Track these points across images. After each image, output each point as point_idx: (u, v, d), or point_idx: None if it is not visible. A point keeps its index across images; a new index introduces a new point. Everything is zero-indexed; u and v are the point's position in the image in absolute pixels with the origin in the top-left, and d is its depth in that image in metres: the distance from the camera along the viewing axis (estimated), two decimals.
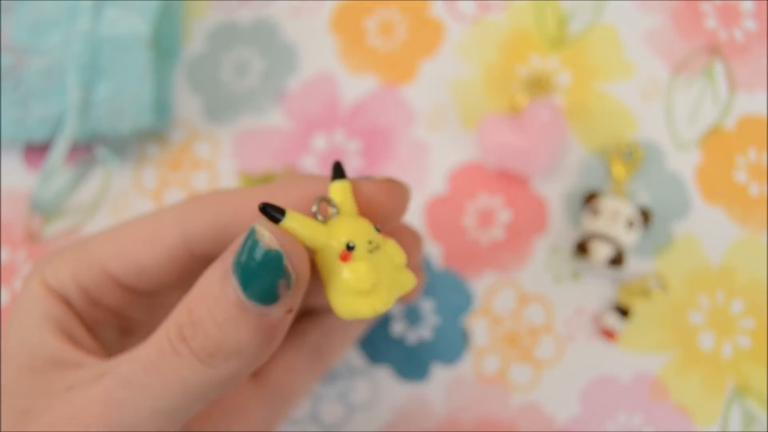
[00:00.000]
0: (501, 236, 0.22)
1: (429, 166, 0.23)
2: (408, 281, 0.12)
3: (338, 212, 0.12)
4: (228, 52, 0.24)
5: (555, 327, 0.22)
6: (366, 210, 0.13)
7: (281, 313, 0.11)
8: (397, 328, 0.22)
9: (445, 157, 0.23)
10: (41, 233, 0.22)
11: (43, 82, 0.22)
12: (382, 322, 0.22)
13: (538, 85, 0.23)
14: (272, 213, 0.11)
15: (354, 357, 0.21)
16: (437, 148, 0.23)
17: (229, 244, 0.13)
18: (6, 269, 0.22)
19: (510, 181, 0.23)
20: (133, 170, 0.24)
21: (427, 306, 0.22)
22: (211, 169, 0.24)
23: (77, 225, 0.23)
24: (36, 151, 0.24)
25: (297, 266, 0.11)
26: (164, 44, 0.23)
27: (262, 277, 0.11)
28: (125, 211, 0.23)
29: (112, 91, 0.22)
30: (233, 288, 0.11)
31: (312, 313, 0.17)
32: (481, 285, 0.22)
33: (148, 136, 0.24)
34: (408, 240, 0.15)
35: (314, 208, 0.12)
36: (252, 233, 0.11)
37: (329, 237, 0.12)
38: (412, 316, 0.22)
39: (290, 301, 0.11)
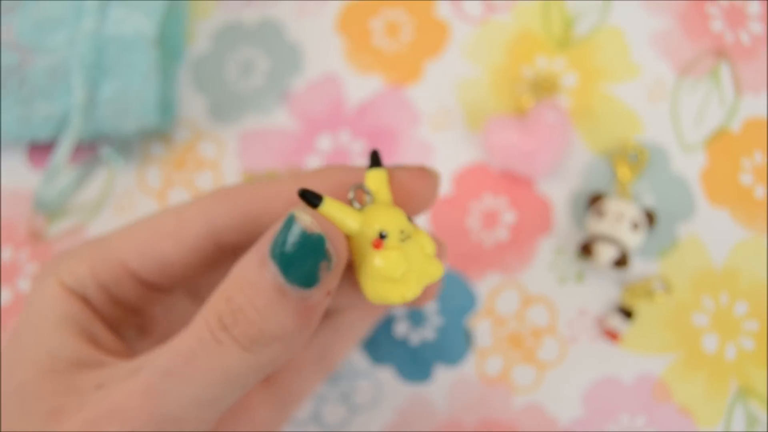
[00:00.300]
0: (505, 237, 0.22)
1: (434, 167, 0.21)
2: (436, 270, 0.12)
3: (373, 200, 0.12)
4: (233, 51, 0.24)
5: (558, 328, 0.22)
6: (399, 197, 0.13)
7: (321, 295, 0.12)
8: (401, 328, 0.22)
9: (450, 158, 0.23)
10: (45, 233, 0.22)
11: (47, 81, 0.21)
12: (386, 322, 0.22)
13: (544, 87, 0.23)
14: (310, 198, 0.12)
15: (357, 358, 0.21)
16: (442, 148, 0.23)
17: (258, 234, 0.13)
18: (9, 269, 0.22)
19: (515, 182, 0.23)
20: (137, 170, 0.23)
21: (430, 307, 0.22)
22: (216, 169, 0.24)
23: (81, 224, 0.23)
24: (40, 150, 0.23)
25: (338, 248, 0.12)
26: (169, 44, 0.23)
27: (303, 260, 0.11)
28: (129, 211, 0.23)
29: (117, 91, 0.22)
30: (273, 273, 0.11)
31: None
32: (484, 286, 0.22)
33: (152, 136, 0.24)
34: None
35: (350, 195, 0.12)
36: (291, 218, 0.11)
37: (364, 224, 0.12)
38: (416, 316, 0.22)
39: (330, 283, 0.12)
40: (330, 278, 0.12)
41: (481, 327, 0.22)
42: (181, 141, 0.24)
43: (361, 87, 0.24)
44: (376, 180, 0.13)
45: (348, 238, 0.12)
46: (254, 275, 0.11)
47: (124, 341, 0.15)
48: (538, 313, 0.22)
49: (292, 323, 0.11)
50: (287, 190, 0.14)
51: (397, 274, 0.12)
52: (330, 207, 0.12)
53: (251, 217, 0.14)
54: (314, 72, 0.24)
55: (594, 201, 0.22)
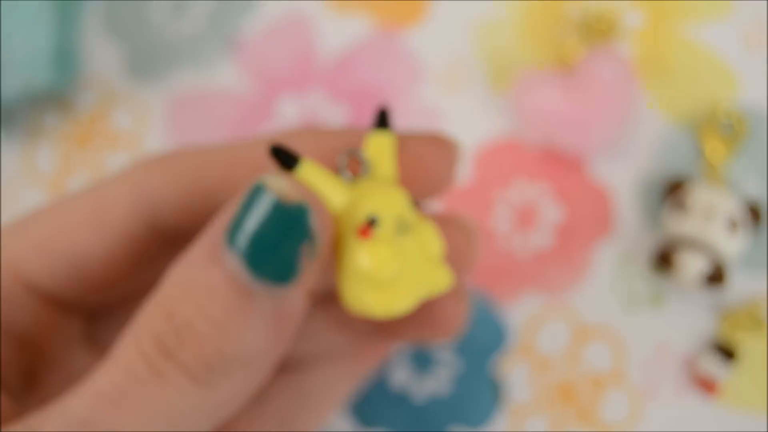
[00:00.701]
0: (547, 243, 0.20)
1: (452, 137, 0.20)
2: (441, 279, 0.11)
3: (370, 173, 0.11)
4: None
5: (628, 375, 0.19)
6: (406, 173, 0.12)
7: (301, 295, 0.10)
8: (400, 378, 0.19)
9: (466, 131, 0.21)
10: None
11: None
12: (379, 371, 0.19)
13: (598, 30, 0.21)
14: (284, 158, 0.10)
15: (338, 421, 0.19)
16: (455, 117, 0.21)
17: (213, 214, 0.12)
18: None
19: (559, 163, 0.20)
20: (22, 148, 0.21)
21: (441, 346, 0.20)
22: (135, 147, 0.21)
23: None
24: None
25: (322, 225, 0.10)
26: None
27: (278, 243, 0.10)
28: (10, 206, 0.21)
29: None
30: (232, 268, 0.10)
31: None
32: (519, 313, 0.20)
33: (45, 100, 0.21)
34: (455, 239, 0.13)
35: (341, 163, 0.11)
36: (259, 187, 0.10)
37: (351, 203, 0.11)
38: (421, 360, 0.19)
39: (311, 277, 0.10)
40: (312, 270, 0.10)
41: (515, 373, 0.19)
42: (85, 108, 0.21)
43: (339, 31, 0.22)
44: (379, 147, 0.11)
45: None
46: (205, 274, 0.10)
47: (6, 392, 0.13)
48: (597, 352, 0.19)
49: (263, 339, 0.10)
50: (251, 155, 0.12)
51: (384, 276, 0.10)
52: (309, 172, 0.11)
53: (202, 191, 0.12)
54: (273, 12, 0.22)
55: (673, 190, 0.19)
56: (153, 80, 0.22)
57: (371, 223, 0.10)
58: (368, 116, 0.21)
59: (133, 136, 0.21)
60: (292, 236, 0.10)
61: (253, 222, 0.10)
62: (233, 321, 0.10)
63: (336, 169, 0.11)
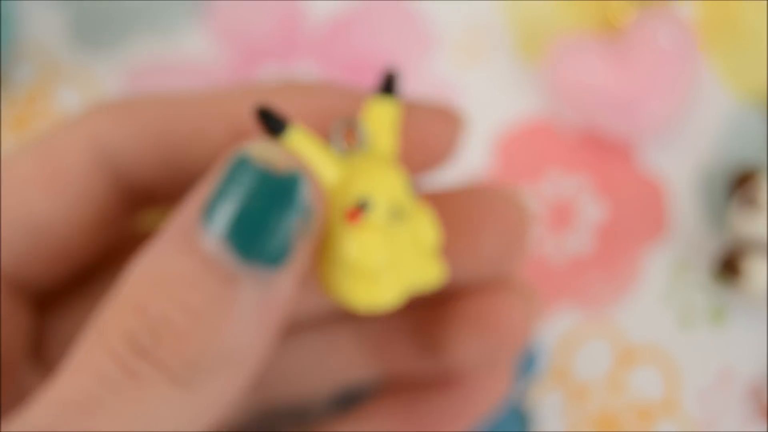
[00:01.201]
0: (587, 246, 0.19)
1: (456, 109, 0.21)
2: (432, 273, 0.11)
3: (367, 147, 0.11)
4: None
5: (683, 405, 0.18)
6: (406, 144, 0.12)
7: (290, 281, 0.10)
8: None
9: (489, 111, 0.20)
10: None
11: None
12: None
13: None
14: (272, 122, 0.10)
15: None
16: (476, 94, 0.20)
17: (187, 176, 0.12)
18: None
19: (602, 150, 0.19)
20: None
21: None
22: None
23: None
24: None
25: (315, 199, 0.10)
26: None
27: (269, 218, 0.09)
28: None
29: None
30: (213, 250, 0.09)
31: None
32: (552, 331, 0.19)
33: None
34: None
35: (335, 132, 0.11)
36: (243, 157, 0.10)
37: (341, 180, 0.11)
38: None
39: (302, 260, 0.10)
40: (305, 250, 0.10)
41: (547, 402, 0.19)
42: (21, 83, 0.20)
43: None
44: (380, 116, 0.11)
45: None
46: (179, 261, 0.09)
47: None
48: (645, 378, 0.18)
49: (249, 332, 0.10)
50: (228, 108, 0.12)
51: (371, 268, 0.10)
52: (299, 140, 0.10)
53: (171, 145, 0.12)
54: None
55: (742, 182, 0.18)
56: (104, 49, 0.20)
57: (362, 207, 0.10)
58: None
59: None
60: (282, 211, 0.10)
61: (237, 196, 0.09)
62: (216, 312, 0.09)
63: (327, 138, 0.11)
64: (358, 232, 0.10)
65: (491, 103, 0.20)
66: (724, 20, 0.20)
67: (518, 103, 0.20)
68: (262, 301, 0.10)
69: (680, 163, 0.19)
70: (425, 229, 0.11)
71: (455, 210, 0.12)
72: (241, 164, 0.09)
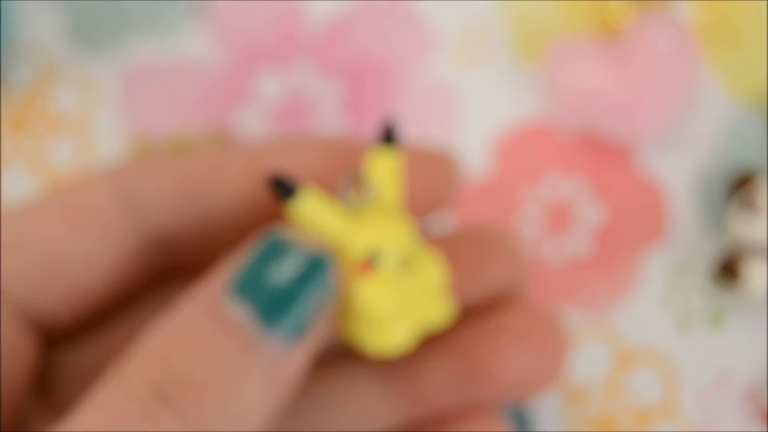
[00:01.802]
0: (585, 249, 0.19)
1: (460, 127, 0.21)
2: (441, 312, 0.12)
3: (373, 199, 0.12)
4: None
5: (681, 407, 0.18)
6: (409, 197, 0.13)
7: (304, 356, 0.11)
8: None
9: (487, 113, 0.20)
10: None
11: None
12: None
13: None
14: (284, 188, 0.11)
15: None
16: (474, 96, 0.21)
17: (205, 221, 0.13)
18: None
19: (600, 153, 0.20)
20: None
21: None
22: (82, 133, 0.20)
23: None
24: None
25: (337, 281, 0.11)
26: None
27: (295, 296, 0.10)
28: None
29: None
30: (238, 319, 0.10)
31: None
32: None
33: None
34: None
35: (342, 187, 0.11)
36: (276, 237, 0.11)
37: (351, 234, 0.11)
38: None
39: (318, 336, 0.11)
40: (321, 328, 0.11)
41: (544, 405, 0.19)
42: (19, 85, 0.20)
43: None
44: (383, 167, 0.12)
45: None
46: (203, 324, 0.10)
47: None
48: (644, 380, 0.19)
49: (259, 398, 0.10)
50: (241, 164, 0.12)
51: (384, 315, 0.11)
52: (309, 202, 0.11)
53: (192, 193, 0.12)
54: None
55: (741, 185, 0.19)
56: (102, 50, 0.21)
57: (373, 259, 0.11)
58: (365, 96, 0.20)
59: (79, 119, 0.20)
60: (307, 291, 0.10)
61: (266, 273, 0.10)
62: (234, 372, 0.10)
63: (335, 193, 0.12)
64: (370, 283, 0.11)
65: (490, 104, 0.20)
66: (723, 22, 0.20)
67: (517, 105, 0.20)
68: (276, 370, 0.11)
69: (679, 165, 0.20)
70: (432, 271, 0.11)
71: (457, 250, 0.13)
72: (272, 242, 0.11)
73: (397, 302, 0.11)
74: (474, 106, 0.20)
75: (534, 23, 0.20)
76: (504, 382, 0.12)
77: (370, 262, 0.11)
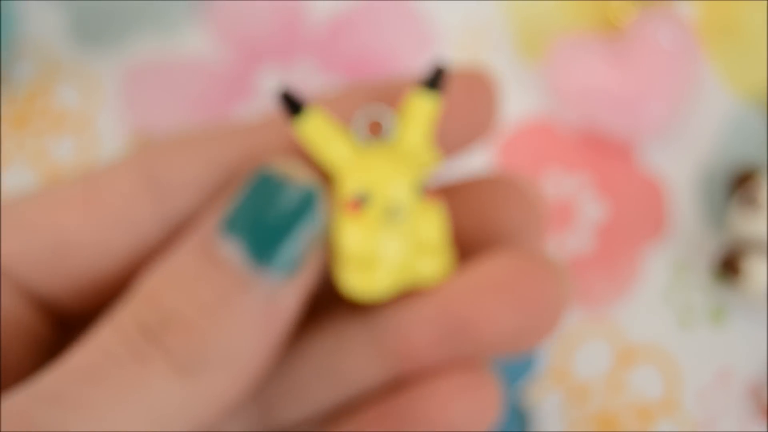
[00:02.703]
0: (586, 246, 0.19)
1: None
2: (430, 270, 0.11)
3: (391, 138, 0.11)
4: None
5: (682, 404, 0.18)
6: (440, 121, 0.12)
7: (296, 293, 0.11)
8: None
9: None
10: None
11: None
12: None
13: None
14: (292, 103, 0.11)
15: None
16: None
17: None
18: None
19: (602, 150, 0.19)
20: None
21: None
22: (84, 130, 0.20)
23: None
24: None
25: (329, 210, 0.11)
26: None
27: (284, 230, 0.10)
28: None
29: None
30: (230, 255, 0.10)
31: None
32: None
33: None
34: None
35: (357, 121, 0.11)
36: (264, 171, 0.11)
37: (351, 169, 0.11)
38: None
39: (309, 273, 0.11)
40: (313, 264, 0.11)
41: (546, 402, 0.19)
42: (22, 82, 0.21)
43: None
44: (417, 110, 0.11)
45: (328, 179, 0.11)
46: (196, 264, 0.10)
47: None
48: (645, 377, 0.19)
49: (250, 336, 0.10)
50: (279, 137, 0.12)
51: (361, 256, 0.11)
52: (316, 122, 0.11)
53: (222, 169, 0.12)
54: None
55: (741, 182, 0.19)
56: (104, 48, 0.21)
57: (361, 199, 0.11)
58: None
59: (81, 116, 0.20)
60: (297, 224, 0.10)
61: (255, 208, 0.10)
62: (224, 310, 0.10)
63: (346, 124, 0.11)
64: (353, 222, 0.11)
65: None
66: (724, 20, 0.20)
67: (519, 103, 0.20)
68: (269, 308, 0.10)
69: (680, 162, 0.20)
70: (429, 225, 0.11)
71: (473, 196, 0.12)
72: (260, 176, 0.10)
73: (374, 248, 0.11)
74: None
75: (535, 21, 0.20)
76: (491, 339, 0.11)
77: (357, 202, 0.11)
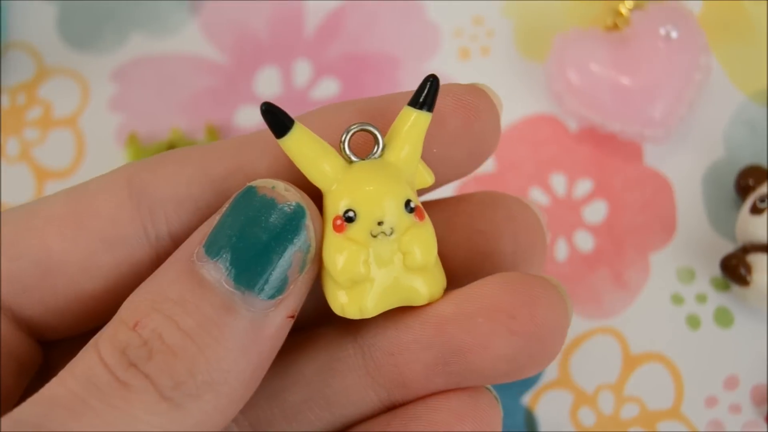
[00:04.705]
0: (590, 248, 0.19)
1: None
2: (415, 294, 0.11)
3: (380, 154, 0.11)
4: None
5: (689, 411, 0.18)
6: (449, 137, 0.12)
7: (283, 316, 0.11)
8: None
9: None
10: None
11: None
12: None
13: None
14: (277, 119, 0.11)
15: None
16: None
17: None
18: None
19: (607, 149, 0.20)
20: None
21: None
22: (77, 131, 0.21)
23: None
24: None
25: (317, 229, 0.11)
26: None
27: (270, 251, 0.10)
28: None
29: None
30: (216, 276, 0.10)
31: None
32: None
33: None
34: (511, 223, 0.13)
35: (345, 137, 0.11)
36: (250, 189, 0.11)
37: (338, 188, 0.11)
38: None
39: (299, 294, 0.11)
40: (300, 286, 0.11)
41: (552, 407, 0.19)
42: (10, 83, 0.21)
43: None
44: (408, 126, 0.11)
45: (318, 197, 0.11)
46: (178, 286, 0.10)
47: None
48: (650, 382, 0.19)
49: (236, 360, 0.10)
50: (268, 152, 0.12)
51: (345, 275, 0.11)
52: (302, 139, 0.11)
53: (212, 183, 0.12)
54: None
55: (750, 182, 0.19)
56: (96, 48, 0.21)
57: (347, 217, 0.11)
58: (366, 95, 0.20)
59: (74, 117, 0.21)
60: (282, 242, 0.10)
61: (240, 225, 0.10)
62: (207, 336, 0.10)
63: (338, 145, 0.11)
64: (338, 240, 0.11)
65: None
66: (731, 17, 0.20)
67: (520, 102, 0.20)
68: (256, 331, 0.10)
69: (686, 162, 0.20)
70: (419, 247, 0.11)
71: (472, 215, 0.12)
72: (246, 195, 0.10)
73: (362, 266, 0.11)
74: None
75: (537, 19, 0.20)
76: (487, 366, 0.11)
77: (342, 221, 0.11)
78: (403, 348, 0.12)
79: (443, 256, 0.11)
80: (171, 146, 0.20)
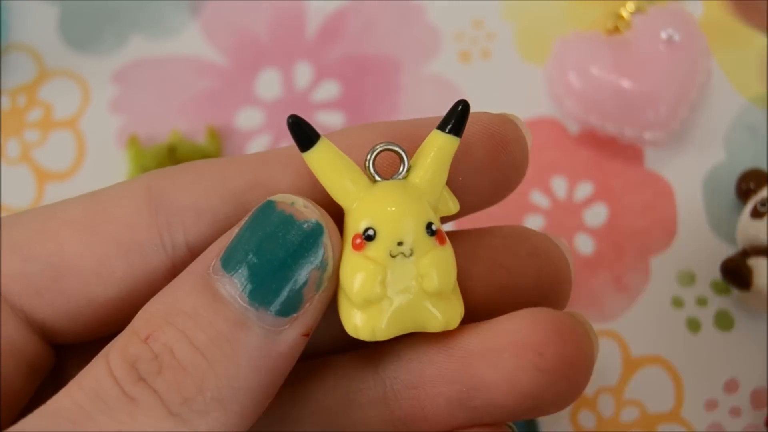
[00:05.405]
0: (591, 252, 0.19)
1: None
2: (430, 319, 0.11)
3: (405, 175, 0.11)
4: None
5: (689, 414, 0.18)
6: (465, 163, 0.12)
7: (297, 334, 0.10)
8: None
9: (492, 111, 0.19)
10: None
11: None
12: None
13: None
14: (303, 132, 0.11)
15: None
16: (476, 95, 0.21)
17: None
18: None
19: (607, 152, 0.20)
20: None
21: None
22: (78, 132, 0.21)
23: None
24: None
25: (335, 248, 0.11)
26: None
27: (286, 268, 0.10)
28: None
29: None
30: (231, 291, 0.10)
31: None
32: None
33: None
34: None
35: (369, 156, 0.11)
36: (269, 204, 0.11)
37: (360, 207, 0.11)
38: None
39: (315, 313, 0.11)
40: (316, 304, 0.11)
41: None
42: (9, 86, 0.21)
43: None
44: (433, 148, 0.11)
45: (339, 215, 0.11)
46: (192, 299, 0.10)
47: None
48: (650, 385, 0.19)
49: (248, 377, 0.10)
50: (289, 165, 0.12)
51: (356, 298, 0.11)
52: (327, 154, 0.11)
53: (231, 195, 0.12)
54: None
55: (750, 184, 0.19)
56: (96, 50, 0.21)
57: (366, 236, 0.11)
58: (370, 97, 0.20)
59: (75, 118, 0.21)
60: (299, 258, 0.10)
61: (257, 240, 0.10)
62: (219, 352, 0.10)
63: (362, 163, 0.11)
64: (356, 258, 0.11)
65: (493, 104, 0.19)
66: (731, 22, 0.20)
67: (521, 105, 0.20)
68: (269, 347, 0.10)
69: (687, 166, 0.20)
70: (433, 269, 0.11)
71: (496, 249, 0.12)
72: (265, 210, 0.10)
73: (376, 286, 0.11)
74: (477, 105, 0.21)
75: (537, 21, 0.20)
76: (509, 403, 0.11)
77: (361, 240, 0.11)
78: (427, 381, 0.12)
79: (464, 288, 0.11)
80: (171, 148, 0.20)
